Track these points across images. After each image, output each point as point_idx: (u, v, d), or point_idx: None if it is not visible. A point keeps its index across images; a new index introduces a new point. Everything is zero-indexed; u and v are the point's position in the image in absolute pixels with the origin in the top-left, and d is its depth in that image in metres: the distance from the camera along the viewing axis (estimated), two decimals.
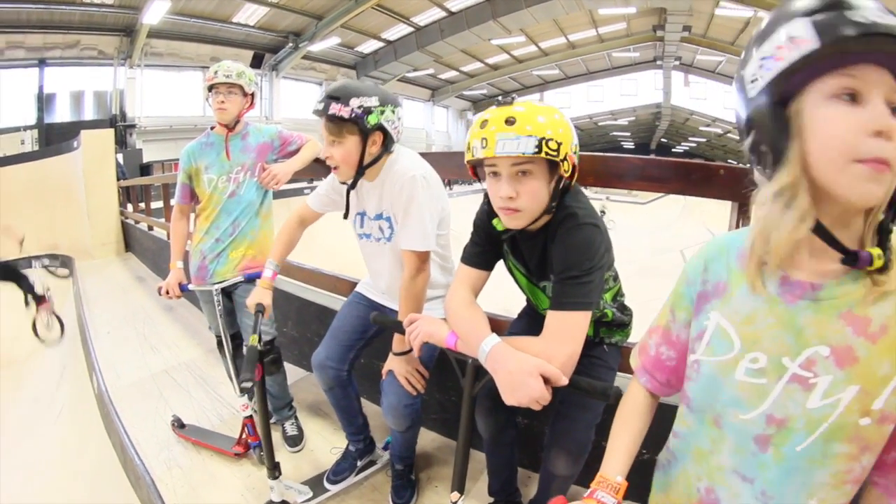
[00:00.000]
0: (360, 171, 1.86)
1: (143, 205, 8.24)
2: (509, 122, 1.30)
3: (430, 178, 1.84)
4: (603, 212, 19.10)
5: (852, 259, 0.74)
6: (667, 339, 1.03)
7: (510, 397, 1.24)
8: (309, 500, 2.12)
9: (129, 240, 8.42)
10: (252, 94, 2.53)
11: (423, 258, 1.83)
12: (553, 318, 1.34)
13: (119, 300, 5.51)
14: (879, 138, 0.68)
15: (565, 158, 1.34)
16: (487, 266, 1.60)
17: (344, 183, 1.96)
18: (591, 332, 1.70)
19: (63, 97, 16.48)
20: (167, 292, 2.49)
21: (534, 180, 1.36)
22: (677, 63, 23.84)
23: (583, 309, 1.34)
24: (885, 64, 0.69)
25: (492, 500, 1.99)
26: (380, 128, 1.81)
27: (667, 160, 2.12)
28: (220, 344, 2.58)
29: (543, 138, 1.30)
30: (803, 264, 0.80)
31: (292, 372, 2.84)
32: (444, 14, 19.28)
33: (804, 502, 0.82)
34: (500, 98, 1.39)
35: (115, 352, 3.87)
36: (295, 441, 2.56)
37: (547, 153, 1.31)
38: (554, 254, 1.42)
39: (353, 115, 1.75)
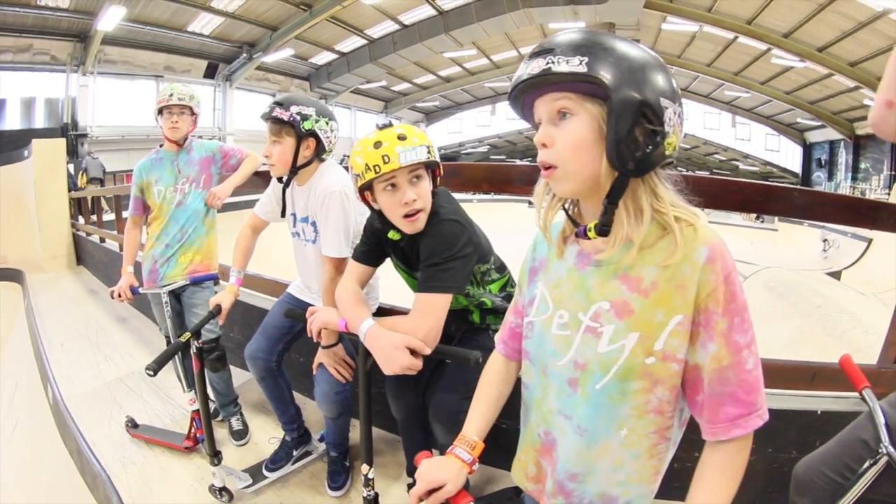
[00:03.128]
0: (294, 170, 2.15)
1: (94, 217, 8.08)
2: (401, 137, 1.56)
3: (349, 194, 2.06)
4: None
5: (578, 232, 0.98)
6: (515, 310, 1.22)
7: (386, 368, 1.52)
8: (249, 485, 2.33)
9: (81, 252, 8.22)
10: (197, 115, 2.83)
11: (339, 263, 2.06)
12: (418, 299, 1.62)
13: (72, 313, 5.51)
14: (541, 149, 0.93)
15: (436, 155, 1.65)
16: (374, 263, 1.88)
17: (279, 180, 2.24)
18: (478, 320, 1.98)
19: (13, 103, 16.12)
20: (119, 295, 2.72)
21: (424, 182, 1.64)
22: None
23: (442, 291, 1.61)
24: (541, 92, 0.93)
25: (411, 480, 2.21)
26: (312, 134, 2.12)
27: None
28: (169, 345, 2.74)
29: (427, 145, 1.60)
30: (590, 239, 0.98)
31: (240, 374, 3.12)
32: (397, 27, 19.45)
33: (616, 432, 0.97)
34: (378, 124, 1.66)
35: (69, 362, 3.98)
36: (240, 435, 2.79)
37: (434, 157, 1.62)
38: (421, 247, 1.66)
39: (291, 118, 2.08)
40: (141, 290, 2.78)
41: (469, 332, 2.01)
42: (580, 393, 0.99)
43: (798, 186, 2.16)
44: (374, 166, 1.53)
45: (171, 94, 2.70)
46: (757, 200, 2.13)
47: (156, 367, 1.85)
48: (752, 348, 0.91)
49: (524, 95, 0.96)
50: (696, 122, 30.25)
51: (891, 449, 1.16)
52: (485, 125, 34.37)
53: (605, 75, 0.85)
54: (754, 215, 19.44)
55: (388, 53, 20.61)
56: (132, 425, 2.83)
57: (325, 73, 22.53)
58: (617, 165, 0.87)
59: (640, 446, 0.98)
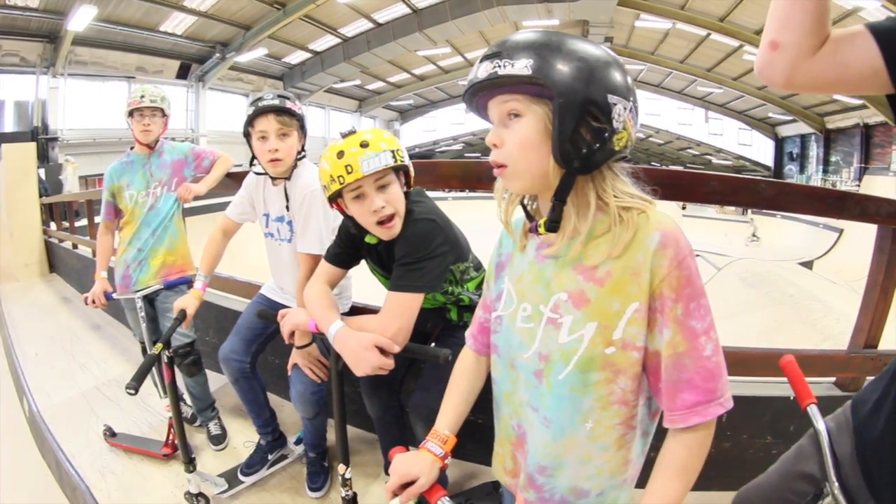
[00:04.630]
0: (295, 164, 2.15)
1: (66, 223, 7.94)
2: (364, 145, 1.52)
3: None
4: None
5: (531, 227, 1.01)
6: (484, 305, 1.23)
7: (356, 369, 1.51)
8: (224, 491, 2.31)
9: (54, 259, 8.05)
10: (168, 116, 2.80)
11: (317, 261, 1.98)
12: (388, 298, 1.61)
13: (45, 321, 5.42)
14: (493, 149, 0.96)
15: (405, 159, 1.62)
16: (346, 266, 1.86)
17: (259, 173, 2.23)
18: (455, 317, 1.98)
19: None
20: (93, 301, 2.66)
21: (393, 186, 1.60)
22: None
23: (414, 291, 1.60)
24: (492, 94, 0.95)
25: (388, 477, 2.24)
26: (304, 130, 2.16)
27: None
28: (144, 351, 2.78)
29: (393, 150, 1.57)
30: (550, 233, 0.99)
31: (217, 378, 3.05)
32: (371, 25, 19.41)
33: (581, 424, 0.97)
34: (342, 132, 1.61)
35: (44, 373, 3.92)
36: (218, 440, 2.76)
37: (400, 160, 1.58)
38: (395, 247, 1.66)
39: (300, 111, 2.11)
40: (114, 296, 2.72)
41: (446, 329, 2.01)
42: (545, 384, 1.00)
43: (765, 178, 2.20)
44: (338, 177, 1.52)
45: (143, 96, 2.67)
46: (725, 192, 2.17)
47: (136, 384, 1.82)
48: (710, 334, 0.90)
49: (477, 98, 0.98)
50: (670, 118, 30.62)
51: (837, 492, 1.03)
52: (459, 123, 34.28)
53: (550, 76, 0.86)
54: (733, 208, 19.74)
55: (362, 52, 20.55)
56: (110, 434, 2.78)
57: (298, 72, 22.40)
58: (562, 164, 0.89)
59: (608, 439, 0.98)
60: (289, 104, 2.07)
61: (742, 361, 2.27)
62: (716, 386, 0.90)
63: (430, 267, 1.62)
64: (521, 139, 0.92)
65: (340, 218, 1.82)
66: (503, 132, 0.94)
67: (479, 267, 1.95)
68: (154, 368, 2.58)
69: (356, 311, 2.40)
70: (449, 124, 34.71)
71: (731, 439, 2.21)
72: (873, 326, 2.32)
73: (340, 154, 1.52)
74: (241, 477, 2.41)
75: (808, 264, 13.18)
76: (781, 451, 2.22)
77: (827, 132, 23.55)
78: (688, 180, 2.18)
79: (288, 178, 2.18)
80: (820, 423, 1.11)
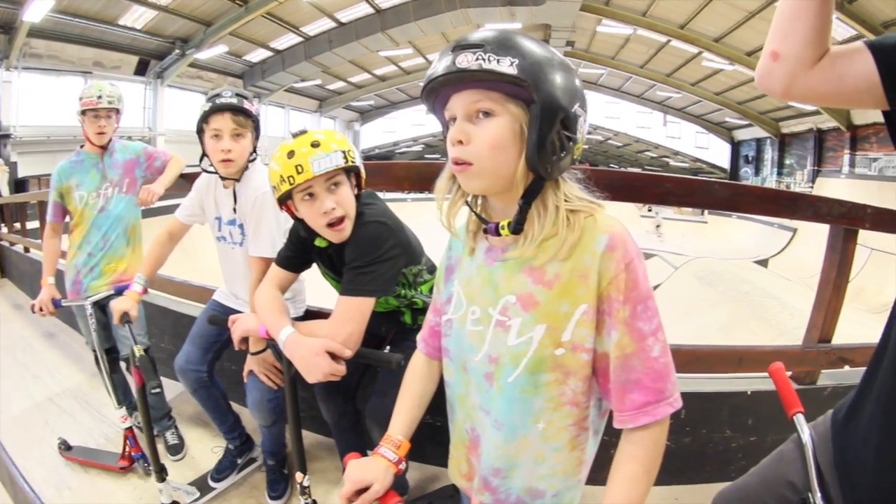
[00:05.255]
0: (247, 166, 2.09)
1: (18, 225, 7.62)
2: (315, 144, 1.50)
3: None
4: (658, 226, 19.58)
5: (489, 229, 0.98)
6: (434, 309, 1.23)
7: (308, 376, 1.48)
8: (197, 499, 2.25)
9: (5, 264, 7.71)
10: (122, 114, 2.69)
11: (269, 264, 1.93)
12: (339, 303, 1.59)
13: None
14: (456, 146, 0.92)
15: (356, 160, 1.60)
16: (297, 269, 1.83)
17: (210, 171, 2.15)
18: (410, 321, 1.96)
19: None
20: (41, 309, 2.55)
21: (344, 187, 1.58)
22: None
23: (364, 295, 1.58)
24: (461, 88, 0.92)
25: None
26: (258, 132, 2.10)
27: None
28: (97, 360, 2.64)
29: (345, 150, 1.55)
30: (498, 236, 0.99)
31: (173, 385, 2.86)
32: (333, 25, 19.20)
33: (533, 425, 0.98)
34: (293, 132, 1.59)
35: None
36: (176, 450, 2.65)
37: (352, 161, 1.56)
38: (345, 250, 1.64)
39: (256, 112, 2.04)
40: (64, 303, 2.59)
41: (400, 332, 1.99)
42: (495, 387, 1.00)
43: (720, 180, 2.26)
44: (288, 177, 1.50)
45: (100, 97, 2.54)
46: (679, 193, 2.21)
47: (157, 382, 1.88)
48: (657, 335, 0.91)
49: (442, 88, 0.94)
50: (629, 121, 31.12)
51: (819, 502, 1.01)
52: (419, 124, 34.12)
53: (534, 81, 0.86)
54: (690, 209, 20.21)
55: (324, 51, 20.31)
56: (65, 447, 2.63)
57: (259, 70, 22.05)
58: (534, 168, 0.89)
59: (561, 439, 0.99)
60: (246, 104, 2.02)
61: (701, 358, 2.32)
62: (664, 386, 0.91)
63: (381, 270, 1.61)
64: (493, 138, 0.90)
65: (289, 223, 1.81)
66: (470, 129, 0.92)
67: (432, 270, 1.93)
68: (108, 375, 2.54)
69: (310, 314, 2.36)
70: (409, 125, 34.54)
71: (691, 434, 2.25)
72: (826, 322, 2.40)
73: (291, 154, 1.50)
74: (211, 483, 2.35)
75: (763, 262, 13.58)
76: (740, 445, 2.32)
77: (782, 136, 24.34)
78: (642, 182, 2.22)
79: (238, 180, 2.12)
80: (805, 434, 1.09)
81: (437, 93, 0.96)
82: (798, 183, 22.68)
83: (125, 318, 2.12)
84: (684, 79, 22.92)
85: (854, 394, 1.04)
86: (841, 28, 14.00)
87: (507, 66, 0.85)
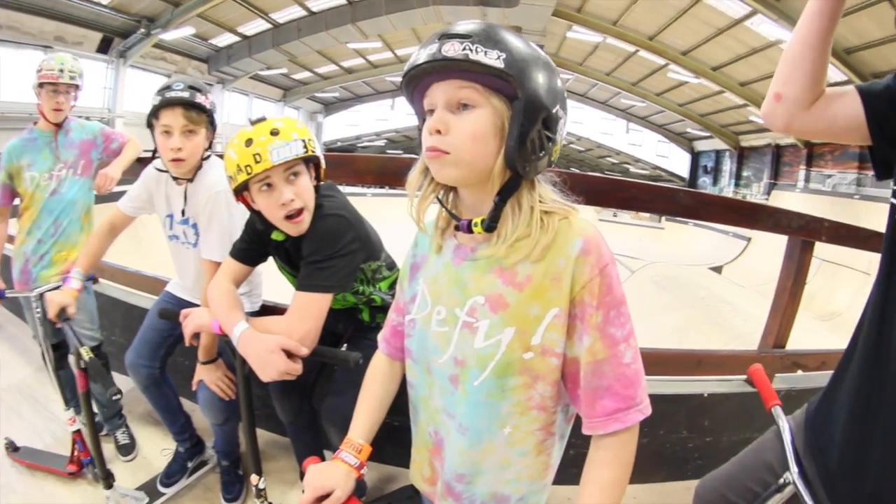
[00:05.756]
0: (200, 164, 1.96)
1: None
2: (274, 132, 1.45)
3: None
4: None
5: (461, 226, 0.96)
6: (397, 308, 1.19)
7: (262, 375, 1.43)
8: None
9: None
10: (80, 91, 2.52)
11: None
12: (296, 298, 1.54)
13: None
14: (433, 136, 0.89)
15: (316, 149, 1.55)
16: (252, 263, 1.76)
17: (161, 170, 2.03)
18: (368, 318, 1.91)
19: None
20: None
21: (303, 178, 1.53)
22: None
23: (321, 291, 1.53)
24: (443, 77, 0.89)
25: None
26: (215, 126, 1.97)
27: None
28: (44, 355, 2.42)
29: (305, 139, 1.50)
30: (467, 234, 0.97)
31: (124, 381, 2.56)
32: (304, 13, 18.87)
33: (499, 430, 0.96)
34: (251, 119, 1.52)
35: None
36: (127, 450, 2.53)
37: (312, 151, 1.52)
38: (303, 244, 1.58)
39: (211, 106, 1.91)
40: (8, 294, 2.38)
41: (358, 330, 1.95)
42: (460, 391, 0.98)
43: (684, 188, 2.32)
44: (245, 166, 1.44)
45: (62, 70, 2.36)
46: (644, 199, 2.26)
47: (116, 389, 1.68)
48: (629, 342, 0.91)
49: (425, 77, 0.92)
50: (592, 127, 31.39)
51: (797, 479, 1.10)
52: (383, 119, 33.91)
53: (520, 77, 0.85)
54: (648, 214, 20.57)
55: (292, 40, 19.91)
56: (12, 448, 2.46)
57: (225, 55, 21.54)
58: (514, 166, 0.88)
59: (527, 444, 0.97)
60: (199, 98, 1.88)
61: (661, 361, 2.38)
62: (635, 392, 0.91)
63: (339, 265, 1.56)
64: (474, 130, 0.88)
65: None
66: (450, 119, 0.89)
67: (391, 266, 1.90)
68: (54, 373, 2.29)
69: (266, 310, 2.29)
70: (373, 120, 34.19)
71: (649, 435, 2.30)
72: (782, 328, 2.49)
73: (249, 142, 1.44)
74: (161, 488, 2.25)
75: (717, 269, 13.90)
76: (696, 445, 2.38)
77: (741, 149, 24.97)
78: (607, 186, 2.26)
79: (191, 180, 2.01)
80: (783, 421, 1.20)
81: (418, 81, 0.93)
82: (754, 195, 23.34)
83: (62, 314, 1.97)
84: (649, 89, 23.28)
85: (827, 386, 1.16)
86: (834, 73, 14.53)
87: (494, 58, 0.84)
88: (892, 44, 12.42)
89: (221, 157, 1.68)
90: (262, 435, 2.57)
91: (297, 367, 1.45)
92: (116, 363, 2.58)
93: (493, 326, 0.93)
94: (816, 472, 1.11)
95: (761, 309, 2.62)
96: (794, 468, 1.11)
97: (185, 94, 1.85)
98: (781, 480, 1.13)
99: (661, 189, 2.30)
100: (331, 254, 1.54)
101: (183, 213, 2.04)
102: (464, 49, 0.84)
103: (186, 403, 2.40)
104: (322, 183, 1.65)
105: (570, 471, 1.07)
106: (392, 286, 1.87)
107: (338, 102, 32.17)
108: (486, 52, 0.84)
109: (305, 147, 1.50)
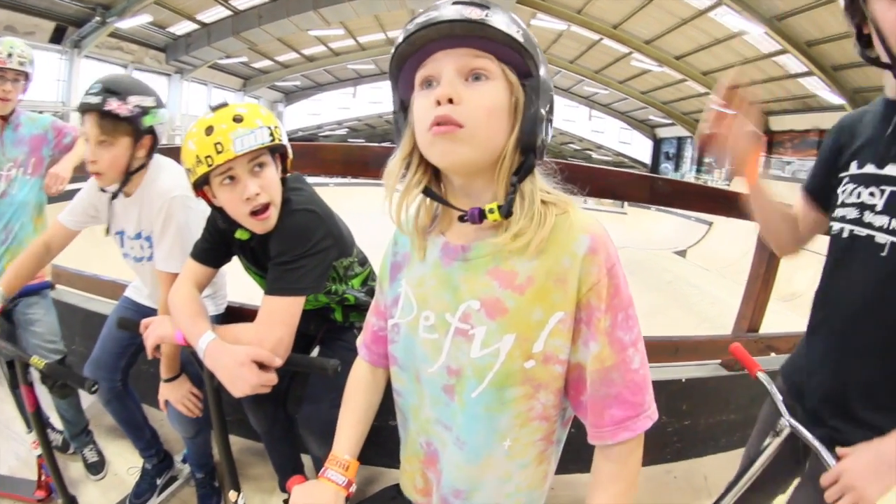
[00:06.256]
0: (127, 177, 1.74)
1: None
2: (237, 119, 1.33)
3: (191, 197, 1.58)
4: None
5: (465, 216, 0.86)
6: (377, 311, 1.09)
7: (233, 389, 1.33)
8: None
9: None
10: (30, 81, 2.28)
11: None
12: (265, 303, 1.42)
13: None
14: (442, 105, 0.79)
15: (282, 138, 1.44)
16: (215, 264, 1.64)
17: (104, 191, 1.84)
18: (341, 318, 1.80)
19: None
20: None
21: (269, 169, 1.42)
22: None
23: (293, 294, 1.42)
24: (454, 45, 0.80)
25: (286, 496, 2.01)
26: (151, 131, 1.73)
27: None
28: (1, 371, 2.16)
29: (271, 126, 1.39)
30: (456, 230, 0.90)
31: (84, 395, 2.32)
32: None
33: (499, 444, 0.88)
34: (211, 105, 1.40)
35: None
36: (97, 468, 2.34)
37: (279, 140, 1.41)
38: (270, 242, 1.46)
39: (133, 112, 1.65)
40: None
41: (331, 331, 1.85)
42: (457, 402, 0.90)
43: (662, 176, 2.37)
44: (205, 157, 1.31)
45: (10, 55, 2.14)
46: (622, 187, 2.31)
47: (92, 381, 1.48)
48: (637, 346, 0.85)
49: (429, 42, 0.81)
50: (555, 114, 31.59)
51: (791, 420, 1.23)
52: (345, 108, 33.59)
53: (535, 53, 0.81)
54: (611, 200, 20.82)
55: (253, 27, 19.49)
56: None
57: (183, 44, 21.00)
58: (531, 146, 0.82)
59: (527, 456, 0.91)
60: (112, 104, 1.62)
61: None
62: (643, 399, 0.86)
63: (310, 265, 1.44)
64: (491, 103, 0.80)
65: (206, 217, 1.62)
66: (462, 89, 0.80)
67: (364, 262, 1.80)
68: (11, 394, 2.03)
69: (232, 313, 2.18)
70: (334, 108, 33.81)
71: None
72: (755, 313, 2.57)
73: (209, 130, 1.32)
74: None
75: (682, 253, 14.15)
76: (675, 429, 2.44)
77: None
78: (586, 174, 2.29)
79: (125, 193, 1.81)
80: (770, 384, 1.33)
81: (418, 47, 0.82)
82: (716, 180, 23.83)
83: None
84: (613, 76, 23.54)
85: (800, 343, 1.35)
86: (795, 65, 15.28)
87: (514, 31, 0.79)
88: (850, 38, 12.78)
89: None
90: (236, 442, 2.38)
91: (271, 379, 1.36)
92: (78, 372, 2.22)
93: (491, 334, 0.84)
94: (801, 408, 1.26)
95: (727, 291, 2.72)
96: (785, 412, 1.25)
97: (96, 101, 1.62)
98: (777, 427, 1.27)
99: (640, 177, 2.34)
100: (301, 253, 1.43)
101: (135, 229, 1.86)
102: (486, 15, 0.77)
103: (154, 413, 2.23)
104: (289, 175, 1.54)
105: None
106: (365, 283, 1.79)
107: (298, 91, 31.73)
108: (506, 24, 0.78)
109: (272, 135, 1.39)
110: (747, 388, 2.54)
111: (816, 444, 1.15)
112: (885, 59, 1.02)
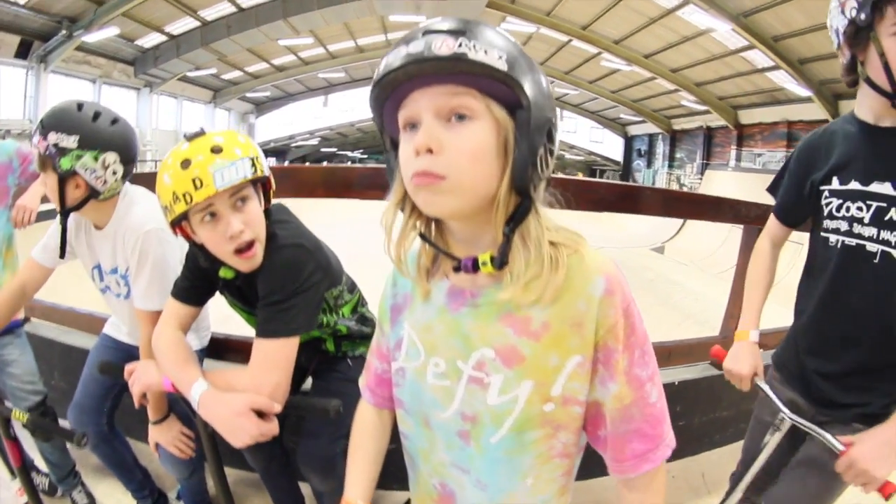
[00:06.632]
0: (65, 213, 1.62)
1: None
2: (216, 150, 1.23)
3: (166, 230, 1.43)
4: None
5: (459, 265, 0.80)
6: (379, 354, 1.04)
7: (233, 441, 1.26)
8: None
9: None
10: None
11: (159, 317, 1.56)
12: (258, 347, 1.32)
13: None
14: (421, 156, 0.72)
15: (265, 169, 1.34)
16: (199, 302, 1.53)
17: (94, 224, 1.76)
18: (333, 349, 1.73)
19: None
20: None
21: (252, 203, 1.32)
22: None
23: (287, 336, 1.33)
24: (429, 83, 0.72)
25: None
26: (75, 173, 1.52)
27: None
28: None
29: (252, 156, 1.29)
30: (463, 275, 0.83)
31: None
32: (233, 9, 18.35)
33: (520, 483, 0.86)
34: (187, 134, 1.29)
35: None
36: None
37: (261, 171, 1.31)
38: (258, 281, 1.37)
39: (48, 151, 1.49)
40: None
41: (324, 362, 1.78)
42: (474, 447, 0.86)
43: (651, 186, 2.43)
44: (183, 195, 1.21)
45: None
46: (612, 199, 2.34)
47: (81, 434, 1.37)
48: (654, 380, 0.84)
49: (404, 82, 0.74)
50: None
51: (790, 414, 1.37)
52: (317, 117, 33.59)
53: (522, 79, 0.72)
54: None
55: (222, 38, 19.31)
56: None
57: (151, 57, 20.72)
58: (525, 189, 0.75)
59: (549, 491, 0.89)
60: (35, 137, 1.50)
61: None
62: (662, 430, 0.85)
63: (302, 303, 1.36)
64: (475, 147, 0.73)
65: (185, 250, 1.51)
66: (442, 134, 0.73)
67: (352, 288, 1.72)
68: None
69: (217, 345, 2.10)
70: (306, 118, 33.72)
71: None
72: None
73: (186, 163, 1.22)
74: None
75: (659, 249, 14.33)
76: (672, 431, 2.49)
77: (673, 132, 26.03)
78: (574, 187, 2.32)
79: (95, 226, 1.73)
80: (765, 386, 1.45)
81: (392, 88, 0.75)
82: (688, 175, 24.28)
83: None
84: (583, 77, 23.84)
85: (790, 336, 1.50)
86: (762, 59, 15.65)
87: (495, 58, 0.69)
88: (815, 32, 13.27)
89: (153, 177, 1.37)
90: (231, 473, 2.01)
91: (272, 428, 1.29)
92: (61, 409, 2.21)
93: (508, 381, 0.81)
94: (796, 393, 1.44)
95: (708, 286, 2.79)
96: (785, 410, 1.38)
97: (37, 129, 1.51)
98: (777, 421, 1.41)
99: (628, 188, 2.39)
100: (292, 291, 1.34)
101: (112, 257, 1.75)
102: (459, 46, 0.68)
103: (142, 448, 2.06)
104: (272, 205, 1.45)
105: None
106: (354, 310, 1.72)
107: (269, 102, 31.53)
108: (486, 51, 0.69)
109: (254, 165, 1.29)
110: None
111: (827, 435, 1.28)
112: (887, 88, 1.15)
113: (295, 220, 1.50)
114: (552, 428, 0.83)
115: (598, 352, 0.80)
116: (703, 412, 2.60)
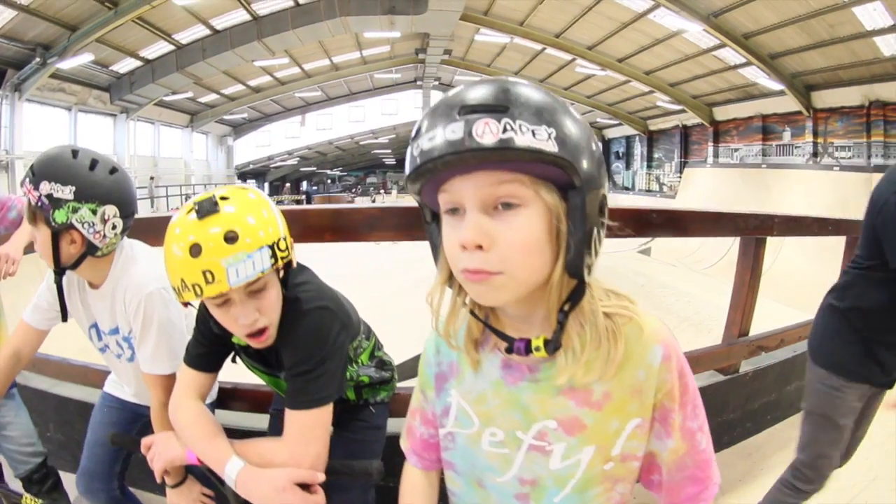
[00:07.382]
0: (60, 271, 1.50)
1: None
2: (230, 238, 1.11)
3: (169, 289, 1.25)
4: None
5: (516, 348, 0.79)
6: (424, 419, 1.02)
7: None
8: None
9: None
10: None
11: (172, 381, 1.48)
12: (292, 419, 1.26)
13: None
14: (469, 251, 0.69)
15: (288, 249, 1.23)
16: (214, 368, 1.43)
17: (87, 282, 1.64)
18: (354, 397, 1.65)
19: None
20: None
21: (271, 289, 1.23)
22: (436, 83, 25.97)
23: (320, 405, 1.26)
24: (472, 170, 0.68)
25: None
26: (71, 227, 1.40)
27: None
28: None
29: (273, 243, 1.17)
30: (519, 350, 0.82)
31: (73, 480, 1.94)
32: (208, 32, 18.30)
33: None
34: (195, 203, 1.15)
35: None
36: None
37: (283, 257, 1.20)
38: (282, 346, 1.30)
39: (40, 203, 1.37)
40: None
41: (346, 411, 1.66)
42: None
43: (655, 208, 2.51)
44: (193, 285, 1.10)
45: None
46: (617, 223, 2.38)
47: None
48: (703, 429, 0.86)
49: (444, 169, 0.69)
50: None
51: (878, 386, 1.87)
52: (294, 136, 33.65)
53: (575, 157, 0.67)
54: None
55: (197, 61, 19.28)
56: None
57: (127, 83, 20.55)
58: (581, 275, 0.72)
59: None
60: (26, 185, 1.39)
61: None
62: (711, 472, 0.88)
63: (332, 367, 1.29)
64: (527, 239, 0.69)
65: (192, 314, 1.42)
66: (490, 226, 0.69)
67: (368, 333, 1.66)
68: None
69: (226, 395, 2.03)
70: (283, 138, 33.81)
71: None
72: (744, 318, 2.75)
73: (196, 249, 1.10)
74: None
75: (646, 251, 14.46)
76: None
77: (650, 133, 26.38)
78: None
79: (90, 284, 1.62)
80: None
81: (432, 175, 0.71)
82: (666, 174, 24.65)
83: None
84: (558, 84, 24.02)
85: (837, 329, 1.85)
86: (732, 56, 16.01)
87: (544, 139, 0.64)
88: (785, 28, 13.67)
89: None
90: None
91: (318, 501, 1.22)
92: (58, 461, 2.18)
93: (571, 448, 0.82)
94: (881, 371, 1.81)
95: (698, 286, 2.87)
96: (873, 383, 1.84)
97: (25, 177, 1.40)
98: (861, 395, 1.85)
99: (634, 211, 2.47)
100: (321, 358, 1.27)
101: (112, 317, 1.63)
102: (504, 131, 0.63)
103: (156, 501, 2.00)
104: (291, 269, 1.33)
105: None
106: (371, 356, 1.65)
107: (246, 123, 31.40)
108: (533, 131, 0.64)
109: (274, 254, 1.17)
110: (742, 388, 2.77)
111: None
112: None
113: (315, 279, 1.41)
114: (611, 482, 0.85)
115: (656, 411, 0.82)
116: (711, 417, 2.64)
